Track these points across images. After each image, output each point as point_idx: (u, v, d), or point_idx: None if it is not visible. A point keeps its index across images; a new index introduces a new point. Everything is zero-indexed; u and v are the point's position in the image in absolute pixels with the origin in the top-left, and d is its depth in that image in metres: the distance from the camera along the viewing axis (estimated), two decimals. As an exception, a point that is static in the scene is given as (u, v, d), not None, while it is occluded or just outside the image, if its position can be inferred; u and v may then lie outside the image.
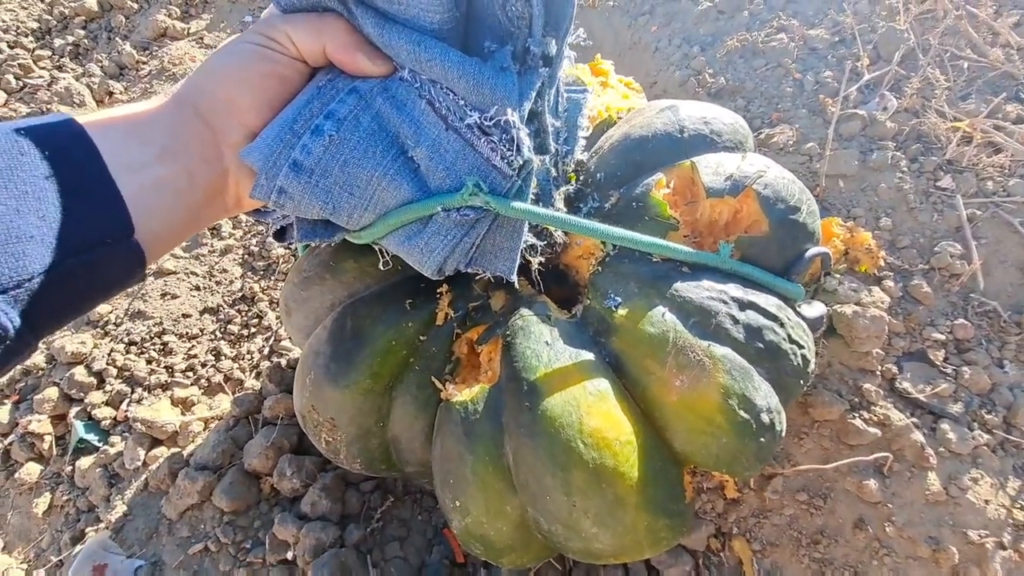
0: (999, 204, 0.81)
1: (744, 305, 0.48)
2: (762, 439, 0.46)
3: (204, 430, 0.87)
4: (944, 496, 0.64)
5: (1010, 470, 0.65)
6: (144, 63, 1.45)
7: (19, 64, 1.42)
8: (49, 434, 0.90)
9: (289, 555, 0.72)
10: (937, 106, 0.89)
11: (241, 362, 0.96)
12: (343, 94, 0.41)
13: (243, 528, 0.77)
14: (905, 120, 0.90)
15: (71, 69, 1.46)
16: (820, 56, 1.03)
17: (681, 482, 0.49)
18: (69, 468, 0.88)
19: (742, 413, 0.45)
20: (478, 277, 0.56)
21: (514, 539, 0.51)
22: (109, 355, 0.96)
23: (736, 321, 0.47)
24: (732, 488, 0.68)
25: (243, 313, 1.02)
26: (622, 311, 0.49)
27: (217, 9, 1.56)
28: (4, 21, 1.51)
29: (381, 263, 0.49)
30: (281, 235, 0.52)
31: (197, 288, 1.05)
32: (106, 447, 0.87)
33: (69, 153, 0.33)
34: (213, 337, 1.00)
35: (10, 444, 0.91)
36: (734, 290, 0.49)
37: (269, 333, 0.99)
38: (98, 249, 0.33)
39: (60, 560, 0.79)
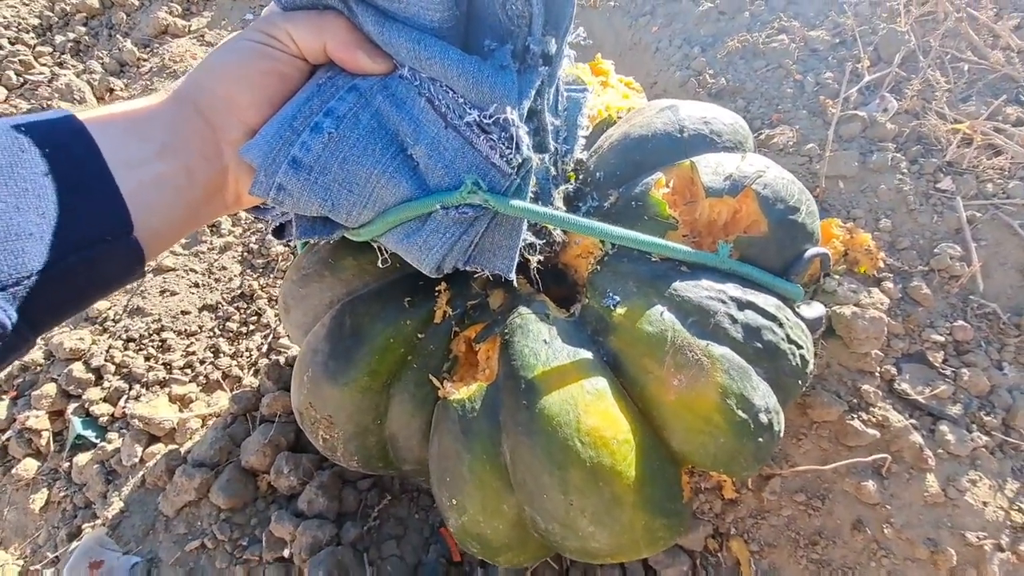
0: (999, 206, 0.81)
1: (743, 305, 0.48)
2: (760, 439, 0.46)
3: (202, 427, 0.87)
4: (942, 498, 0.64)
5: (1008, 472, 0.65)
6: (145, 60, 1.45)
7: (20, 60, 1.41)
8: (47, 430, 0.90)
9: (286, 553, 0.72)
10: (937, 108, 0.90)
11: (239, 359, 0.96)
12: (343, 92, 0.41)
13: (240, 525, 0.77)
14: (905, 122, 0.90)
15: (72, 66, 1.46)
16: (821, 57, 1.03)
17: (679, 482, 0.49)
18: (66, 464, 0.88)
19: (740, 413, 0.45)
20: (477, 275, 0.56)
21: (511, 538, 0.51)
22: (107, 352, 0.96)
23: (735, 321, 0.47)
24: (730, 488, 0.67)
25: (242, 311, 1.02)
26: (620, 310, 0.49)
27: (218, 7, 1.56)
28: (5, 17, 1.51)
29: (380, 261, 0.49)
30: (280, 232, 0.52)
31: (196, 285, 1.05)
32: (104, 443, 0.87)
33: (69, 150, 0.33)
34: (212, 334, 1.00)
35: (7, 440, 0.91)
36: (733, 290, 0.49)
37: (268, 331, 0.99)
38: (98, 246, 0.33)
39: (56, 556, 0.79)
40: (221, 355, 0.97)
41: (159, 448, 0.85)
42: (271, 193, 0.40)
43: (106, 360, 0.95)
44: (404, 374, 0.54)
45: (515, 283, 0.47)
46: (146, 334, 0.98)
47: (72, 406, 0.91)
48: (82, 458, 0.87)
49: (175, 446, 0.85)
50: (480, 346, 0.53)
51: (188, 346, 0.98)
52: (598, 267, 0.53)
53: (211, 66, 0.40)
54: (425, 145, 0.41)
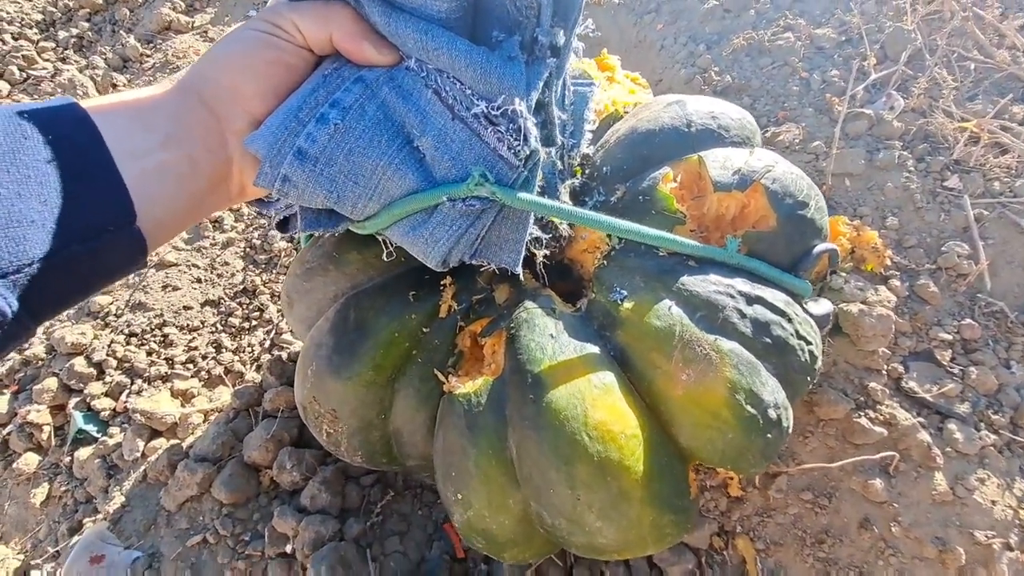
0: (1006, 204, 0.80)
1: (752, 300, 0.48)
2: (769, 435, 0.45)
3: (204, 422, 0.87)
4: (951, 496, 0.63)
5: (1017, 471, 0.65)
6: (148, 56, 1.45)
7: (23, 56, 1.41)
8: (48, 424, 0.90)
9: (288, 548, 0.71)
10: (944, 106, 0.89)
11: (242, 355, 0.96)
12: (349, 83, 0.41)
13: (242, 520, 0.76)
14: (912, 120, 0.90)
15: (75, 61, 1.46)
16: (827, 55, 1.03)
17: (686, 478, 0.49)
18: (68, 459, 0.87)
19: (749, 408, 0.44)
20: (482, 269, 0.56)
21: (516, 533, 0.50)
22: (109, 346, 0.95)
23: (743, 315, 0.47)
24: (736, 486, 0.67)
25: (244, 306, 1.02)
26: (628, 304, 0.48)
27: (222, 3, 1.55)
28: (8, 13, 1.51)
29: (385, 254, 0.48)
30: (284, 226, 0.52)
31: (198, 280, 1.05)
32: (105, 438, 0.87)
33: (72, 138, 0.32)
34: (214, 329, 1.00)
35: (9, 434, 0.90)
36: (741, 284, 0.48)
37: (270, 326, 0.98)
38: (100, 236, 0.32)
39: (57, 551, 0.79)
40: (223, 350, 0.96)
41: (161, 443, 0.85)
42: (276, 184, 0.40)
43: (108, 355, 0.94)
44: (409, 369, 0.54)
45: (521, 277, 0.46)
46: (148, 329, 0.98)
47: (73, 400, 0.91)
48: (83, 452, 0.86)
49: (177, 441, 0.85)
50: (486, 340, 0.52)
51: (190, 341, 0.98)
52: (605, 262, 0.53)
53: (216, 56, 0.39)
54: (432, 137, 0.41)
